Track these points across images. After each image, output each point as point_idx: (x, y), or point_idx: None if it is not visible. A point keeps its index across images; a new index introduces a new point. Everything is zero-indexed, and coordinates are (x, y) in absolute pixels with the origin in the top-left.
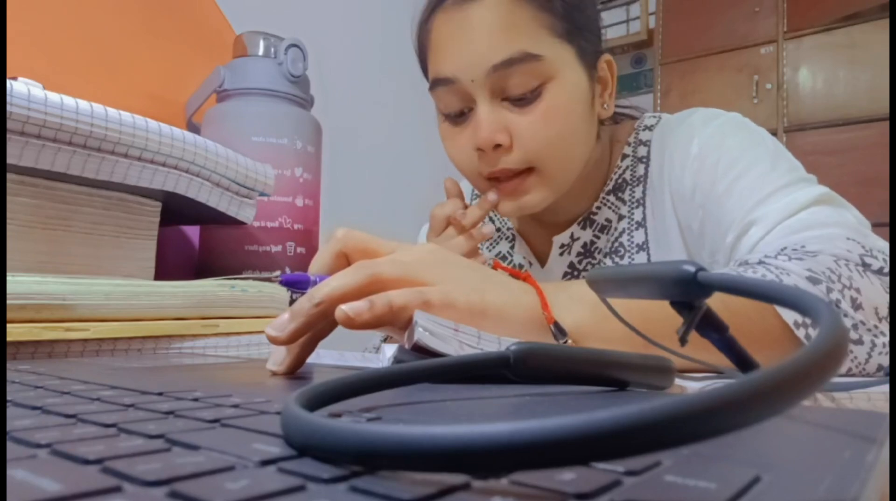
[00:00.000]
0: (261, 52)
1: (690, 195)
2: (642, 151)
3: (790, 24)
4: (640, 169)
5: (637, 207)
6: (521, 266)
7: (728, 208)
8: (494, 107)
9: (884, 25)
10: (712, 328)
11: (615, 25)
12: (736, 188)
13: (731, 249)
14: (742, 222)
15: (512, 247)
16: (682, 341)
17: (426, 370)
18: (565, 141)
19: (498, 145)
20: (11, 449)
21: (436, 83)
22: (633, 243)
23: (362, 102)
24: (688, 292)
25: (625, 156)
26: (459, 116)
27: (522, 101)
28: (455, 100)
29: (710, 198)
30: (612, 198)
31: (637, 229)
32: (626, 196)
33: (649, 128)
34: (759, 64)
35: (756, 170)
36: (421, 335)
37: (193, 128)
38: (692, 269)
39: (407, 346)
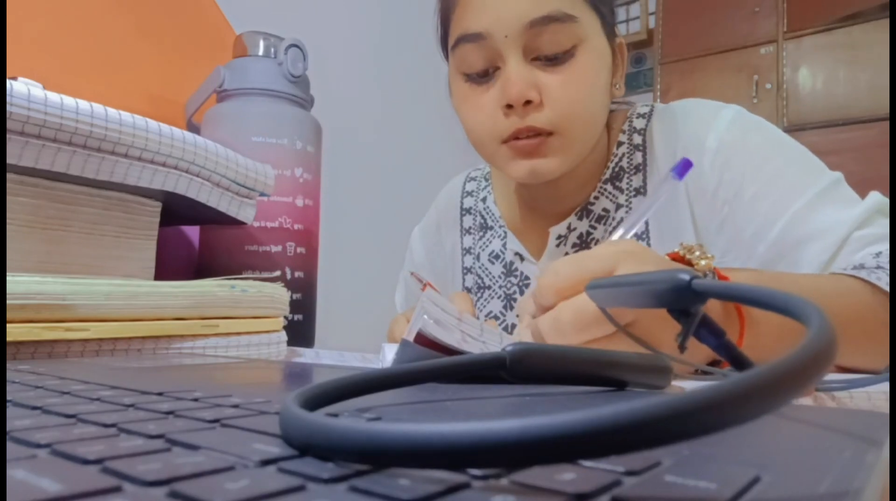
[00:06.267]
0: (261, 52)
1: (713, 192)
2: (637, 138)
3: (790, 24)
4: (638, 157)
5: (635, 195)
6: (511, 263)
7: (763, 211)
8: (525, 65)
9: (884, 25)
10: (710, 333)
11: None
12: (770, 191)
13: (774, 252)
14: (796, 229)
15: (504, 244)
16: (682, 348)
17: (423, 372)
18: (590, 106)
19: (528, 102)
20: (11, 449)
21: (462, 40)
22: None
23: (362, 102)
24: (684, 299)
25: (620, 143)
26: (483, 76)
27: (554, 61)
28: (480, 58)
29: (739, 197)
30: (609, 187)
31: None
32: (624, 185)
33: (642, 115)
34: (759, 64)
35: (788, 173)
36: (426, 324)
37: (193, 128)
38: (687, 277)
39: (410, 337)
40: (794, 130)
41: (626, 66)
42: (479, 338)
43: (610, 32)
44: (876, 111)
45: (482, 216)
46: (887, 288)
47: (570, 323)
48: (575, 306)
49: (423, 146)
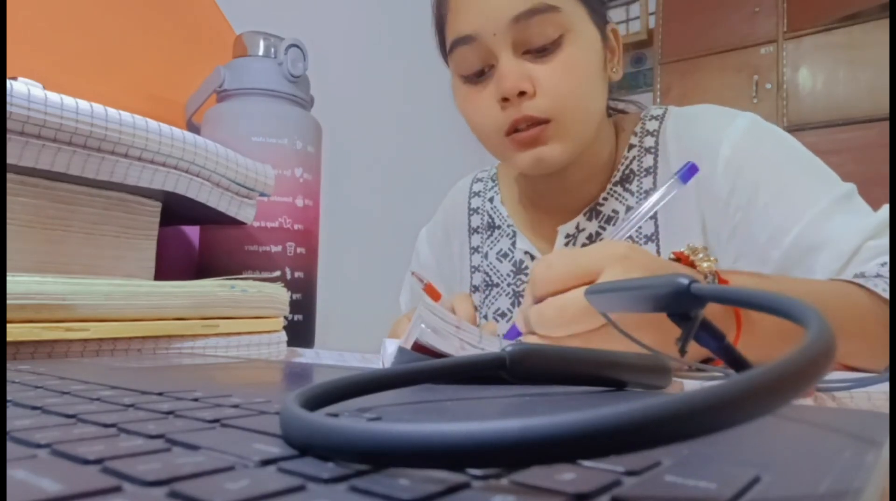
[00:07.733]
0: (261, 52)
1: (726, 198)
2: (649, 141)
3: (790, 25)
4: (648, 160)
5: (646, 198)
6: (521, 261)
7: (778, 218)
8: (516, 59)
9: (884, 25)
10: (710, 336)
11: None
12: (784, 198)
13: (788, 259)
14: (810, 237)
15: (513, 243)
16: (682, 351)
17: (424, 372)
18: (584, 92)
19: (522, 93)
20: (11, 449)
21: (456, 43)
22: (641, 233)
23: (362, 102)
24: (683, 303)
25: (631, 146)
26: (479, 76)
27: (543, 52)
28: (475, 59)
29: (753, 204)
30: (619, 189)
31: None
32: (634, 187)
33: (655, 118)
34: (759, 64)
35: (803, 181)
36: (422, 333)
37: (193, 128)
38: (685, 281)
39: (407, 345)
40: (794, 130)
41: (622, 48)
42: (478, 345)
43: (598, 20)
44: (876, 111)
45: (489, 216)
46: (884, 295)
47: (553, 318)
48: (558, 302)
49: (423, 146)
